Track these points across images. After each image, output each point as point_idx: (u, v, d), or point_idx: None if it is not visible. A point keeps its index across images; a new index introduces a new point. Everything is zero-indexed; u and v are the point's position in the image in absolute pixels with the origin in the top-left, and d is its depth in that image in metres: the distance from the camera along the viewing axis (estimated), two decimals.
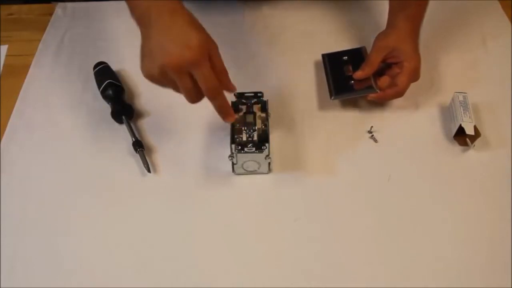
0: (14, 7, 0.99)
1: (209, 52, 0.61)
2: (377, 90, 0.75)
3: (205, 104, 0.80)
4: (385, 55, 0.76)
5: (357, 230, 0.66)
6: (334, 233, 0.66)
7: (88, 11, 0.97)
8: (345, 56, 0.82)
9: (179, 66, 0.60)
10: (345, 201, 0.69)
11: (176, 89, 0.63)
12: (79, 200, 0.70)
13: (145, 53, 0.62)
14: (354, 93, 0.77)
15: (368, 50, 0.80)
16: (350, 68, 0.79)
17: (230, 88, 0.66)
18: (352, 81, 0.78)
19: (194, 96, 0.63)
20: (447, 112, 0.78)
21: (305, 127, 0.77)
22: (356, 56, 0.81)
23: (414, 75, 0.76)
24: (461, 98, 0.75)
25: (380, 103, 0.79)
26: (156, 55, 0.60)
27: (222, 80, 0.64)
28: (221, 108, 0.65)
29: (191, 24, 0.62)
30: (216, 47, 0.63)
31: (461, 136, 0.73)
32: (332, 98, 0.77)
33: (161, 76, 0.61)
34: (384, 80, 0.77)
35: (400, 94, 0.76)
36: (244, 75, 0.82)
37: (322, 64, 0.83)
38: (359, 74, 0.77)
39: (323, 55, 0.84)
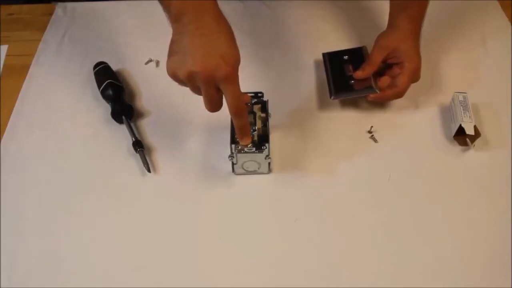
0: (14, 7, 0.99)
1: (237, 72, 0.61)
2: (377, 91, 0.75)
3: None
4: (386, 55, 0.76)
5: (357, 230, 0.66)
6: (334, 233, 0.66)
7: (88, 11, 0.97)
8: (345, 55, 0.82)
9: (211, 78, 0.58)
10: (345, 201, 0.69)
11: (197, 93, 0.62)
12: (79, 200, 0.70)
13: (176, 51, 0.60)
14: (354, 93, 0.77)
15: (369, 50, 0.80)
16: (351, 67, 0.79)
17: (246, 100, 0.66)
18: (352, 81, 0.77)
19: (215, 107, 0.62)
20: (447, 112, 0.78)
21: (305, 127, 0.77)
22: (357, 56, 0.81)
23: (415, 76, 0.76)
24: (461, 98, 0.75)
25: (380, 103, 0.79)
26: (189, 58, 0.58)
27: None
28: (243, 128, 0.65)
29: (232, 37, 0.61)
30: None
31: (461, 136, 0.73)
32: (332, 98, 0.77)
33: (188, 80, 0.60)
34: (384, 81, 0.77)
35: (400, 94, 0.76)
36: (244, 75, 0.82)
37: (322, 64, 0.83)
38: (359, 73, 0.76)
39: (324, 54, 0.84)
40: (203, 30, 0.59)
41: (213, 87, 0.60)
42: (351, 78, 0.78)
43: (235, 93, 0.61)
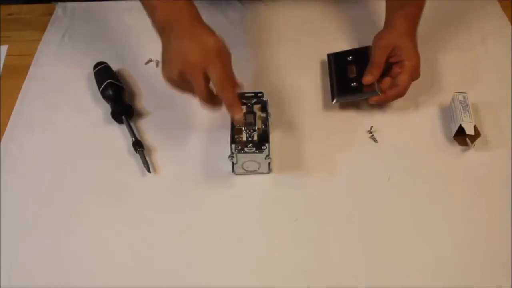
0: (14, 7, 0.99)
1: (223, 56, 0.64)
2: (379, 93, 0.75)
3: None
4: (387, 55, 0.76)
5: (357, 230, 0.66)
6: (334, 233, 0.66)
7: (88, 11, 0.97)
8: (350, 56, 0.81)
9: (194, 65, 0.63)
10: (345, 201, 0.69)
11: (194, 92, 0.66)
12: (78, 200, 0.70)
13: (166, 60, 0.66)
14: (355, 96, 0.77)
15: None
16: (354, 69, 0.79)
17: (237, 86, 0.67)
18: (354, 83, 0.77)
19: (207, 97, 0.65)
20: (447, 112, 0.78)
21: (305, 127, 0.77)
22: (362, 56, 0.80)
23: (415, 74, 0.76)
24: (461, 98, 0.75)
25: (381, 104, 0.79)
26: (176, 60, 0.64)
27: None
28: (231, 102, 0.65)
29: (209, 30, 0.65)
30: (229, 56, 0.66)
31: (461, 136, 0.73)
32: (334, 101, 0.77)
33: (180, 79, 0.64)
34: (385, 82, 0.76)
35: (401, 94, 0.76)
36: (244, 75, 0.82)
37: (322, 64, 0.83)
38: (369, 78, 0.75)
39: (329, 55, 0.83)
40: (183, 34, 0.65)
41: (200, 75, 0.63)
42: (353, 80, 0.77)
43: (217, 70, 0.63)
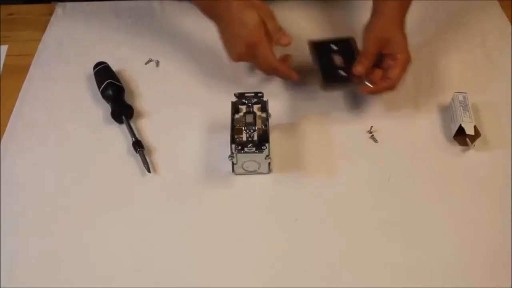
0: (14, 7, 0.99)
1: (264, 25, 0.73)
2: (370, 85, 0.74)
3: (205, 104, 0.80)
4: (379, 47, 0.74)
5: (357, 230, 0.66)
6: (334, 233, 0.66)
7: (88, 11, 0.97)
8: (333, 45, 0.80)
9: (243, 51, 0.74)
10: (345, 201, 0.69)
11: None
12: (79, 200, 0.70)
13: (224, 46, 0.76)
14: (346, 84, 0.76)
15: (357, 41, 0.79)
16: (340, 59, 0.78)
17: (284, 44, 0.76)
18: (343, 72, 0.76)
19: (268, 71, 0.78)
20: (447, 112, 0.78)
21: (305, 127, 0.77)
22: (345, 47, 0.79)
23: (407, 67, 0.74)
24: (461, 98, 0.75)
25: (378, 101, 0.78)
26: (230, 49, 0.76)
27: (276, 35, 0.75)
28: (284, 77, 0.79)
29: (244, 5, 0.73)
30: (269, 11, 0.74)
31: (461, 136, 0.73)
32: (324, 88, 0.76)
33: (242, 58, 0.77)
34: (376, 73, 0.75)
35: (393, 87, 0.74)
36: (244, 75, 0.82)
37: None
38: (359, 69, 0.74)
39: (310, 42, 0.81)
40: (229, 17, 0.73)
41: (250, 54, 0.74)
42: (341, 69, 0.76)
43: (263, 54, 0.74)
